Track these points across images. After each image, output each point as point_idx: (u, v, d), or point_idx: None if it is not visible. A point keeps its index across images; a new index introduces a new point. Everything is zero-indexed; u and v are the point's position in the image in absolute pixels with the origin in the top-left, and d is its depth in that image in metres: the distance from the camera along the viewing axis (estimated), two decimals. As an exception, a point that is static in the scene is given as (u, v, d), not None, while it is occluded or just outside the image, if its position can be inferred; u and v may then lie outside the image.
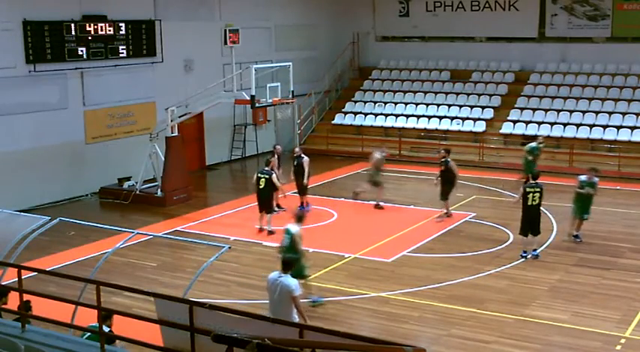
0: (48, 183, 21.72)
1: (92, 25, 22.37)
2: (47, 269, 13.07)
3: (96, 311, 8.33)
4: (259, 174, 18.67)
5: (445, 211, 19.91)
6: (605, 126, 26.51)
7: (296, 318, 10.59)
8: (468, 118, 28.91)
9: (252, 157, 28.68)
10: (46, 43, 21.28)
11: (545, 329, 12.90)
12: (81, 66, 22.33)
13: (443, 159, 19.98)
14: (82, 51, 22.10)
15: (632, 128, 26.29)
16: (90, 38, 22.34)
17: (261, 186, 18.55)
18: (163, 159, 21.94)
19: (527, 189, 16.49)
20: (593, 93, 28.28)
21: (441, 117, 29.30)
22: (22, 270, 8.99)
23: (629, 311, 13.61)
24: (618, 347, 12.14)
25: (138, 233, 12.54)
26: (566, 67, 29.91)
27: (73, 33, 21.87)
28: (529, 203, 16.43)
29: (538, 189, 16.44)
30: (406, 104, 30.35)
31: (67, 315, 10.08)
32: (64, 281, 12.74)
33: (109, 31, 22.92)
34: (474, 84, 30.56)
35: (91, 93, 22.88)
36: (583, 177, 17.83)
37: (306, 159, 20.41)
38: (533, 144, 23.15)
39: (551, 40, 30.22)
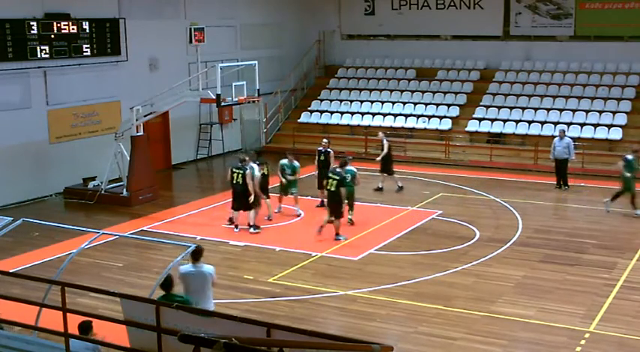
0: (11, 184, 21.43)
1: (55, 23, 22.09)
2: (11, 271, 12.88)
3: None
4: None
5: None
6: (568, 124, 26.74)
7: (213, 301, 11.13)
8: (433, 116, 29.05)
9: (218, 156, 28.56)
10: (7, 41, 20.99)
11: (512, 325, 13.00)
12: (44, 65, 22.06)
13: None
14: (44, 49, 21.85)
15: (595, 125, 26.59)
16: (53, 36, 22.07)
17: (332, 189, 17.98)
18: (129, 158, 21.78)
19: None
20: (557, 91, 28.57)
21: (407, 116, 29.41)
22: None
23: (593, 305, 13.77)
24: (583, 342, 12.28)
25: (103, 233, 12.44)
26: (530, 65, 30.18)
27: (36, 31, 21.59)
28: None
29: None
30: (372, 102, 30.42)
31: (31, 317, 9.96)
32: (28, 282, 12.59)
33: (73, 29, 22.66)
34: (440, 82, 30.72)
35: (55, 93, 22.61)
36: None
37: (332, 152, 20.84)
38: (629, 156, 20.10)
39: (515, 39, 30.48)
